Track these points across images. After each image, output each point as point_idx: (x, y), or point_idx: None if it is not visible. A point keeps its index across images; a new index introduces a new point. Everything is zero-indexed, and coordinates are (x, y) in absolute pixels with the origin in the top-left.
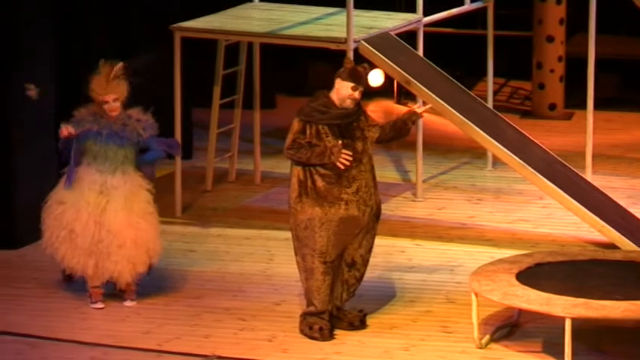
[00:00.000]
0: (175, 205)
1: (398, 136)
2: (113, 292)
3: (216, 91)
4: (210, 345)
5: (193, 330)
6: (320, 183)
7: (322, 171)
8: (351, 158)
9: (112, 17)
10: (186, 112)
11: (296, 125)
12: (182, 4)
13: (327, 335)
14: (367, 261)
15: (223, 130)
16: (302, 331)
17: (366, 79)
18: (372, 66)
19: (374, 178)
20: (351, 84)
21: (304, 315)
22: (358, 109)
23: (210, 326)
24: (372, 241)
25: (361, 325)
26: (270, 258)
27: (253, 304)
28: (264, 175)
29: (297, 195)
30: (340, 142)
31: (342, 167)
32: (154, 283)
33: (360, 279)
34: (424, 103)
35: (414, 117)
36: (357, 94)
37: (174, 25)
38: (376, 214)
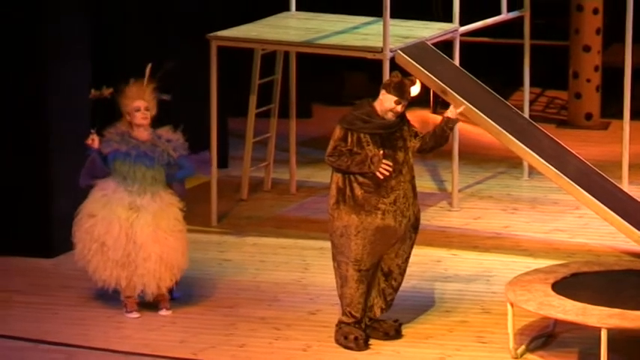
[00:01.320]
0: (211, 214)
1: (438, 144)
2: (148, 301)
3: (252, 100)
4: (244, 354)
5: (228, 339)
6: (358, 191)
7: (361, 179)
8: (390, 168)
9: (149, 28)
10: (222, 121)
11: (338, 132)
12: (219, 13)
13: (362, 345)
14: (404, 270)
15: (259, 140)
16: (337, 341)
17: (409, 93)
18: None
19: (414, 188)
20: (395, 97)
21: (340, 324)
22: (402, 120)
23: (245, 335)
24: (410, 251)
25: (396, 335)
26: (305, 267)
27: (288, 313)
28: (300, 185)
29: (335, 202)
30: (381, 151)
31: (382, 177)
32: (189, 292)
33: (396, 289)
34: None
35: (450, 123)
36: (399, 108)
37: (211, 34)
38: (414, 225)
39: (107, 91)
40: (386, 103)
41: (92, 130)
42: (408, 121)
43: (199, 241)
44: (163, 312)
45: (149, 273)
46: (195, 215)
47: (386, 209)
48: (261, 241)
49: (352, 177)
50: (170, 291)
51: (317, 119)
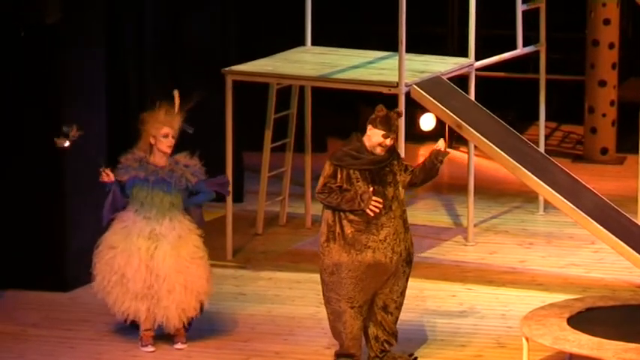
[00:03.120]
0: (226, 249)
1: (429, 178)
2: (168, 333)
3: (268, 134)
4: None
5: None
6: (348, 229)
7: (351, 217)
8: (381, 205)
9: (164, 62)
10: (238, 155)
11: (327, 169)
12: (234, 47)
13: None
14: (400, 304)
15: (274, 174)
16: None
17: (397, 125)
18: (424, 110)
19: (405, 222)
20: (382, 132)
21: (336, 355)
22: (391, 154)
23: None
24: (405, 285)
25: None
26: (320, 302)
27: (303, 347)
28: (315, 219)
29: (325, 240)
30: (371, 188)
31: (372, 214)
32: (204, 327)
33: (395, 321)
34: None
35: (440, 156)
36: (388, 142)
37: (226, 69)
38: (406, 260)
39: (74, 132)
40: (374, 137)
41: (101, 168)
42: (398, 154)
43: (215, 275)
44: (179, 345)
45: (174, 304)
46: (210, 249)
47: (376, 247)
48: (277, 275)
49: (342, 214)
50: (189, 322)
51: None
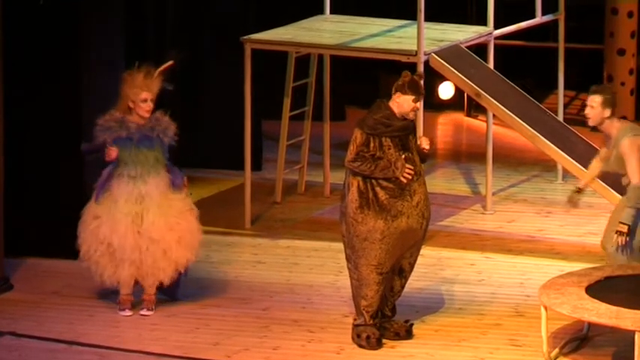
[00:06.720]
0: (245, 217)
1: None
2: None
3: (287, 102)
4: (278, 356)
5: (262, 341)
6: (382, 196)
7: (385, 183)
8: (413, 172)
9: (184, 30)
10: (257, 123)
11: (359, 137)
12: (253, 16)
13: (375, 344)
14: (413, 267)
15: (293, 142)
16: (353, 340)
17: (422, 86)
18: (443, 79)
19: (426, 190)
20: (413, 96)
21: (354, 324)
22: (413, 123)
23: (279, 338)
24: (420, 249)
25: (407, 335)
26: (339, 270)
27: (322, 315)
28: (334, 187)
29: (358, 206)
30: (403, 156)
31: (406, 181)
32: (222, 294)
33: (404, 285)
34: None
35: (422, 155)
36: (418, 105)
37: (245, 37)
38: (428, 226)
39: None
40: (405, 104)
41: (109, 146)
42: (415, 126)
43: (233, 244)
44: (144, 312)
45: (169, 262)
46: (229, 218)
47: (410, 213)
48: (295, 243)
49: (374, 181)
50: (176, 284)
51: (351, 122)
